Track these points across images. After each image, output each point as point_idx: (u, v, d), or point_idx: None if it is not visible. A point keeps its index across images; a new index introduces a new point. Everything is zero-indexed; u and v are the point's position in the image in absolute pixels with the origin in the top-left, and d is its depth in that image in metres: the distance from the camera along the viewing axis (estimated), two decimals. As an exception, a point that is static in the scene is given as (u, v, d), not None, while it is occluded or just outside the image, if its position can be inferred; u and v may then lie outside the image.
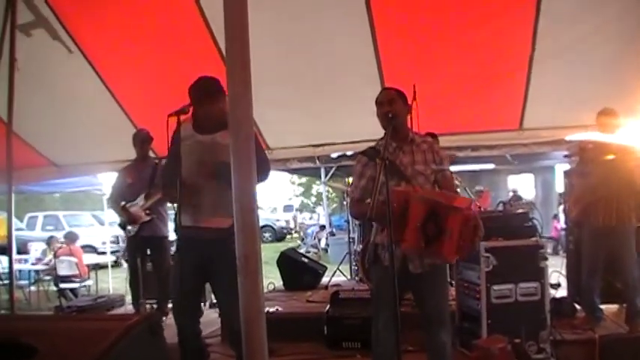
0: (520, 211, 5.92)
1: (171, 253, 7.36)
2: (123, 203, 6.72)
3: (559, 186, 22.18)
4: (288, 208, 34.25)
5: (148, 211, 6.66)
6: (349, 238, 9.76)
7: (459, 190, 4.81)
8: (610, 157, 5.70)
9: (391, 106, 4.05)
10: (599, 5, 6.14)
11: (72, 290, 10.96)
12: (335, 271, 9.17)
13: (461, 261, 5.40)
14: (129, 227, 6.78)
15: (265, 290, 5.66)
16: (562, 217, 16.49)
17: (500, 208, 6.08)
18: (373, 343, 4.31)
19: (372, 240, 4.28)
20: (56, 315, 5.75)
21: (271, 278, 8.45)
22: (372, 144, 7.89)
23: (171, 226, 7.29)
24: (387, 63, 6.98)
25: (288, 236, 28.46)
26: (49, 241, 13.86)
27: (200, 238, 4.21)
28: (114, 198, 7.07)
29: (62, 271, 10.77)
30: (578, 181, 6.24)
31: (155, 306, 7.21)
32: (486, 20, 6.39)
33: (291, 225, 30.38)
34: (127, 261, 7.20)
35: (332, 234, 19.73)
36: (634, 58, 6.49)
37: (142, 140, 6.89)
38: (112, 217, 15.55)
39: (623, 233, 5.82)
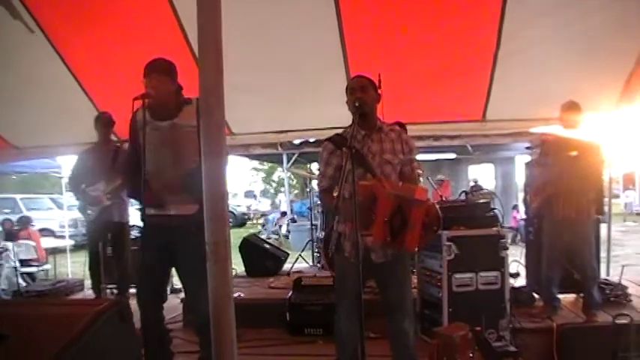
0: (482, 201, 6.00)
1: (132, 237, 7.34)
2: (83, 186, 6.65)
3: (519, 177, 22.56)
4: (249, 194, 34.17)
5: (108, 196, 6.61)
6: (312, 224, 9.77)
7: (421, 179, 4.84)
8: (571, 151, 5.79)
9: (363, 93, 4.05)
10: (563, 5, 6.22)
11: (30, 274, 10.78)
12: (297, 258, 9.21)
13: (422, 250, 5.47)
14: (89, 211, 6.72)
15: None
16: (522, 207, 16.78)
17: (463, 197, 6.14)
18: (335, 330, 4.33)
19: (335, 228, 4.29)
20: (26, 301, 5.66)
21: (233, 264, 8.40)
22: (336, 131, 7.95)
23: (131, 211, 7.26)
24: (352, 51, 6.97)
25: (249, 222, 28.42)
26: (4, 223, 13.67)
27: (165, 225, 4.19)
28: (74, 181, 6.96)
29: (21, 255, 10.58)
30: (539, 173, 6.31)
31: (115, 291, 7.16)
32: (454, 14, 6.42)
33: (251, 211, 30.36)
34: (87, 245, 7.08)
35: (293, 220, 19.75)
36: (595, 56, 6.62)
37: (103, 123, 6.79)
38: (71, 200, 15.39)
39: (582, 226, 5.92)
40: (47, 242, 12.72)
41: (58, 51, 7.16)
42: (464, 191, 6.31)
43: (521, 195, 19.98)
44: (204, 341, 4.45)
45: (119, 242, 6.96)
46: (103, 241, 6.83)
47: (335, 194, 4.29)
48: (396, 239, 3.83)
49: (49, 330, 1.73)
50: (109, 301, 1.92)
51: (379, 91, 4.21)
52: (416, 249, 4.24)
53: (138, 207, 4.41)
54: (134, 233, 7.58)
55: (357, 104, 3.96)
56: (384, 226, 3.76)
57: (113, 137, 7.16)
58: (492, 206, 5.85)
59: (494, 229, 5.47)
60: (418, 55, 6.95)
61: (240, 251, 8.50)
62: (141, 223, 4.33)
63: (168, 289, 7.30)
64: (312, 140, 9.97)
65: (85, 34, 6.97)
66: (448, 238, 5.23)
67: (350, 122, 7.54)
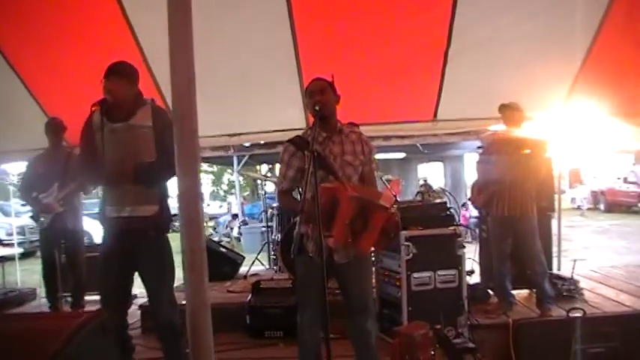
0: (438, 200, 6.08)
1: (85, 245, 7.25)
2: (35, 194, 6.54)
3: (468, 175, 22.85)
4: (198, 197, 33.88)
5: (61, 202, 6.51)
6: (267, 226, 9.73)
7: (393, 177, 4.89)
8: (518, 149, 5.90)
9: (322, 95, 4.06)
10: (513, 4, 6.35)
11: (-23, 284, 10.51)
12: (254, 261, 9.17)
13: (377, 252, 5.53)
14: (42, 219, 6.62)
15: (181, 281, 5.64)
16: (471, 205, 17.01)
17: (419, 198, 6.22)
18: (299, 331, 4.34)
19: (297, 230, 4.30)
20: (5, 315, 5.52)
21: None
22: (289, 133, 7.96)
23: (84, 218, 7.17)
24: (304, 52, 7.01)
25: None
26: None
27: (125, 228, 4.16)
28: (25, 188, 6.83)
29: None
30: (482, 170, 6.41)
31: (70, 299, 7.05)
32: (405, 12, 6.50)
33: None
34: (40, 253, 6.94)
35: (245, 223, 19.67)
36: (544, 55, 6.77)
37: (54, 129, 6.70)
38: (19, 207, 15.02)
39: (527, 222, 6.02)
40: (-6, 250, 12.38)
41: (5, 56, 7.04)
42: (420, 192, 6.39)
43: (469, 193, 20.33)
44: (168, 347, 4.43)
45: (73, 250, 6.87)
46: (58, 248, 6.73)
47: (297, 196, 4.34)
48: (354, 241, 3.87)
49: (30, 345, 1.68)
50: (89, 314, 1.88)
51: (338, 93, 4.22)
52: (368, 252, 4.24)
53: (97, 211, 4.36)
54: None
55: (317, 107, 3.98)
56: (345, 228, 3.78)
57: (64, 143, 7.03)
58: (449, 205, 5.94)
59: (451, 228, 5.56)
60: (370, 55, 7.02)
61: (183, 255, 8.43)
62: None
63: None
64: (262, 142, 9.96)
65: (34, 38, 6.86)
66: (406, 238, 5.30)
67: (301, 123, 7.63)
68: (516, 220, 5.97)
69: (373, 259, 5.75)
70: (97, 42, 6.70)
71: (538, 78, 6.87)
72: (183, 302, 5.68)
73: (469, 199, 7.40)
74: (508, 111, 6.10)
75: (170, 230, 4.48)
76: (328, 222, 3.68)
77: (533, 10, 6.36)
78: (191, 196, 2.36)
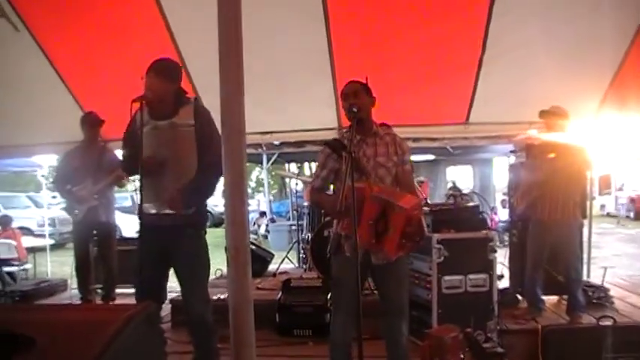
0: (471, 204, 6.07)
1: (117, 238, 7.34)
2: (69, 187, 6.64)
3: (496, 179, 22.72)
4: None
5: (95, 195, 6.61)
6: (297, 225, 9.74)
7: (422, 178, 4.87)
8: (556, 154, 5.87)
9: (356, 98, 4.09)
10: (549, 9, 6.33)
11: (10, 274, 10.66)
12: (283, 259, 9.22)
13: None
14: (76, 211, 6.70)
15: (213, 277, 5.69)
16: (500, 209, 16.92)
17: (451, 200, 6.21)
18: (331, 330, 4.38)
19: (334, 229, 4.34)
20: (53, 306, 5.61)
21: (216, 264, 8.40)
22: (320, 133, 7.98)
23: (116, 212, 7.27)
24: (339, 53, 7.04)
25: (226, 222, 28.23)
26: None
27: (163, 225, 4.21)
28: (59, 181, 6.94)
29: (2, 254, 10.46)
30: (525, 176, 6.39)
31: (101, 292, 7.14)
32: (440, 17, 6.53)
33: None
34: (73, 245, 7.02)
35: (272, 220, 19.72)
36: (578, 63, 6.75)
37: (92, 123, 6.78)
38: (50, 199, 15.22)
39: (567, 228, 6.00)
40: (26, 241, 12.53)
41: (43, 49, 7.14)
42: (452, 195, 6.38)
43: (499, 197, 20.21)
44: (200, 342, 4.49)
45: (106, 242, 6.97)
46: (91, 241, 6.83)
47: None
48: (379, 243, 3.90)
49: (78, 336, 1.72)
50: (137, 306, 1.92)
51: (373, 95, 4.25)
52: (395, 256, 4.24)
53: (127, 205, 4.41)
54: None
55: (354, 110, 4.01)
56: (368, 228, 3.82)
57: (99, 137, 7.13)
58: (481, 209, 5.93)
59: (484, 232, 5.56)
60: (404, 58, 7.04)
61: (226, 252, 8.48)
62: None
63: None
64: (292, 141, 10.01)
65: (71, 33, 6.97)
66: (438, 240, 5.31)
67: (333, 123, 7.66)
68: (557, 224, 5.93)
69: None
70: (133, 39, 6.80)
71: (571, 85, 6.83)
72: (214, 298, 5.80)
73: (509, 205, 7.37)
74: (548, 117, 6.07)
75: (206, 228, 4.54)
76: (355, 222, 3.71)
77: (569, 17, 6.34)
78: (237, 196, 2.40)
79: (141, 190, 4.10)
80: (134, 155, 4.18)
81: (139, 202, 4.18)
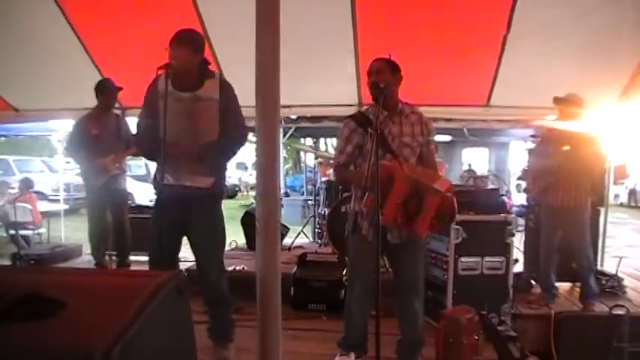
0: (491, 187, 6.06)
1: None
2: (83, 154, 6.64)
3: (512, 163, 22.63)
4: (240, 166, 34.00)
5: (117, 165, 6.65)
6: (315, 199, 9.73)
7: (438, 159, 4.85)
8: (571, 142, 5.82)
9: (379, 75, 4.08)
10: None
11: (24, 237, 10.74)
12: (299, 233, 9.26)
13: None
14: (95, 179, 6.70)
15: (227, 248, 5.71)
16: (515, 193, 16.86)
17: (471, 182, 6.21)
18: (346, 307, 4.42)
19: (352, 207, 4.34)
20: (83, 270, 5.64)
21: (230, 236, 8.43)
22: (340, 108, 7.95)
23: (129, 180, 7.30)
24: (363, 30, 7.00)
25: (240, 194, 28.31)
26: (0, 186, 13.56)
27: (181, 195, 4.20)
28: (74, 147, 6.88)
29: (18, 217, 10.53)
30: (538, 161, 6.35)
31: (115, 258, 7.19)
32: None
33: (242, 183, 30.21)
34: (90, 212, 7.03)
35: (286, 195, 19.74)
36: (603, 49, 6.66)
37: (110, 90, 6.74)
38: (64, 164, 15.27)
39: (579, 215, 5.97)
40: (41, 206, 12.62)
41: (65, 14, 7.12)
42: (472, 177, 6.37)
43: (514, 181, 20.14)
44: (215, 313, 4.52)
45: (121, 210, 7.00)
46: (107, 208, 6.87)
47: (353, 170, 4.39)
48: (408, 223, 3.90)
49: (109, 301, 1.72)
50: (167, 274, 1.92)
51: (400, 74, 4.22)
52: (424, 236, 4.26)
53: (153, 176, 4.39)
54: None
55: (380, 86, 3.99)
56: (396, 207, 3.82)
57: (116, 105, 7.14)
58: (501, 193, 5.92)
59: (502, 215, 5.55)
60: (428, 37, 6.98)
61: (242, 224, 8.53)
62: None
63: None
64: (308, 115, 9.98)
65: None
66: (457, 222, 5.29)
67: (353, 100, 7.63)
68: (569, 211, 5.91)
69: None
70: (157, 8, 6.75)
71: (594, 73, 6.76)
72: (229, 269, 5.83)
73: (524, 190, 7.33)
74: (563, 104, 6.03)
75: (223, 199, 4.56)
76: (380, 199, 3.70)
77: (596, 3, 6.26)
78: (269, 167, 2.39)
79: (159, 162, 4.09)
80: (151, 129, 4.16)
81: (155, 172, 4.17)
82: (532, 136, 7.18)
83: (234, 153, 4.49)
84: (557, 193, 5.94)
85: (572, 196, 5.87)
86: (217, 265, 4.49)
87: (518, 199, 9.95)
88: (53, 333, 1.59)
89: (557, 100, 6.06)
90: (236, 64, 6.03)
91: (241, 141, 4.42)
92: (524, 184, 7.44)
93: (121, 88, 6.80)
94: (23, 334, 1.58)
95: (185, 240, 4.50)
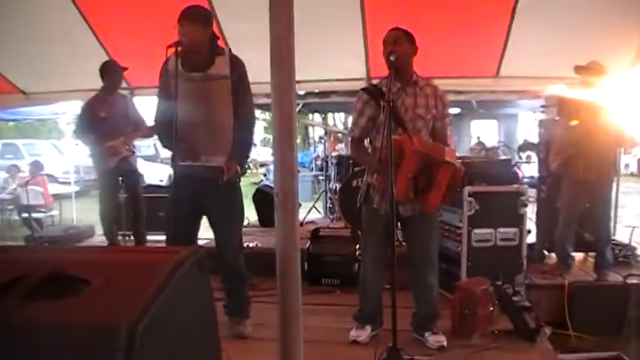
0: (503, 157, 6.04)
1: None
2: (94, 137, 6.63)
3: (521, 134, 22.54)
4: (249, 143, 33.97)
5: (127, 147, 6.65)
6: (325, 175, 9.71)
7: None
8: (592, 113, 5.78)
9: (395, 45, 4.05)
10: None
11: (36, 220, 10.83)
12: (310, 209, 9.30)
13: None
14: (105, 160, 6.70)
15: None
16: (524, 165, 16.80)
17: (483, 154, 6.19)
18: (361, 279, 4.44)
19: (364, 180, 4.34)
20: (103, 247, 5.68)
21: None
22: (348, 83, 7.90)
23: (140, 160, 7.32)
24: (370, 3, 6.93)
25: (249, 171, 28.36)
26: (11, 170, 13.63)
27: (198, 175, 4.23)
28: (84, 131, 6.80)
29: (30, 200, 10.60)
30: (560, 133, 6.29)
31: (129, 238, 7.24)
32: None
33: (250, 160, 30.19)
34: (101, 193, 7.06)
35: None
36: (614, 16, 6.58)
37: (114, 71, 6.68)
38: (73, 146, 15.32)
39: (601, 187, 5.96)
40: (52, 188, 12.69)
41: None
42: (485, 148, 6.36)
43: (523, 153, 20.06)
44: (232, 289, 4.55)
45: (135, 190, 7.00)
46: (118, 189, 6.90)
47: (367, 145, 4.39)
48: (420, 197, 3.91)
49: (131, 277, 1.72)
50: (188, 250, 1.93)
51: (416, 45, 4.19)
52: (437, 209, 4.27)
53: (169, 157, 4.39)
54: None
55: (391, 58, 3.97)
56: (407, 181, 3.82)
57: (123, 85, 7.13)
58: (513, 163, 5.91)
59: (515, 186, 5.54)
60: (436, 8, 6.90)
61: (254, 201, 8.56)
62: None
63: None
64: (316, 91, 9.94)
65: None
66: (469, 193, 5.29)
67: (361, 74, 7.58)
68: (591, 184, 5.87)
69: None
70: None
71: (604, 42, 6.68)
72: (249, 245, 5.84)
73: (538, 160, 7.29)
74: (584, 72, 5.97)
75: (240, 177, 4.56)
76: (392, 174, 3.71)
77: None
78: (286, 141, 2.39)
79: (173, 145, 4.08)
80: (168, 112, 4.12)
81: (172, 154, 4.17)
82: (543, 106, 7.14)
83: (253, 134, 4.55)
84: (578, 166, 5.87)
85: (594, 168, 5.81)
86: (235, 243, 4.52)
87: (528, 170, 9.94)
88: (78, 311, 1.60)
89: (578, 69, 6.00)
90: (244, 40, 6.02)
91: (251, 121, 4.46)
92: (534, 155, 7.42)
93: (126, 68, 6.75)
94: (49, 313, 1.59)
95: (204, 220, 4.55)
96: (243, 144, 4.36)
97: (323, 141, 11.46)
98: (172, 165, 4.21)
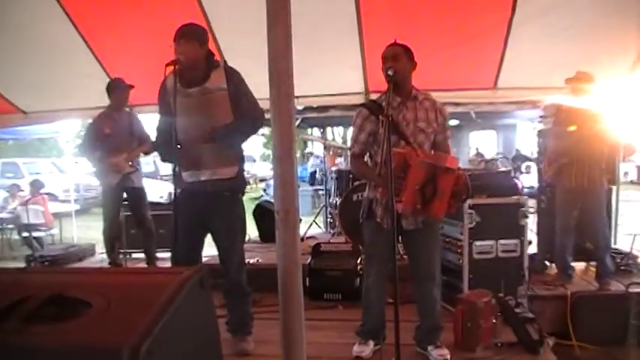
0: (503, 169, 6.05)
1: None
2: (98, 154, 6.66)
3: (520, 144, 22.57)
4: (247, 158, 33.97)
5: (130, 163, 6.66)
6: (325, 189, 9.71)
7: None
8: (577, 124, 5.81)
9: (395, 61, 4.05)
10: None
11: (37, 239, 10.81)
12: (311, 224, 9.27)
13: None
14: (109, 178, 6.71)
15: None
16: (524, 175, 16.82)
17: (482, 166, 6.20)
18: (364, 294, 4.43)
19: (366, 195, 4.34)
20: (106, 269, 5.67)
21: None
22: (347, 97, 7.90)
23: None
24: (366, 16, 6.94)
25: (248, 186, 28.33)
26: (11, 189, 13.63)
27: (202, 191, 4.25)
28: (88, 148, 6.85)
29: (30, 219, 10.59)
30: (552, 143, 6.34)
31: (129, 256, 7.23)
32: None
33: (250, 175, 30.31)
34: (105, 211, 7.06)
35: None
36: (609, 26, 6.60)
37: (121, 89, 6.73)
38: (73, 164, 15.35)
39: (594, 195, 5.98)
40: (52, 207, 12.68)
41: (67, 12, 7.03)
42: (483, 160, 6.36)
43: (524, 163, 20.08)
44: (234, 305, 4.53)
45: (141, 207, 7.01)
46: (121, 206, 6.91)
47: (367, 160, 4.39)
48: (426, 207, 3.91)
49: (133, 299, 1.73)
50: (190, 269, 1.92)
51: (414, 60, 4.21)
52: (442, 217, 4.27)
53: (172, 174, 4.38)
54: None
55: (389, 73, 3.97)
56: (414, 193, 3.83)
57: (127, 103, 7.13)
58: (513, 175, 5.91)
59: (515, 197, 5.54)
60: (433, 22, 6.93)
61: (254, 216, 8.54)
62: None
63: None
64: (315, 106, 9.94)
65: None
66: (470, 205, 5.28)
67: (359, 88, 7.59)
68: (583, 191, 5.91)
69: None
70: (160, 3, 6.72)
71: (602, 50, 6.71)
72: (250, 261, 5.82)
73: (538, 170, 7.31)
74: (573, 82, 6.04)
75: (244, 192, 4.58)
76: (398, 187, 3.71)
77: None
78: (286, 157, 2.39)
79: (177, 159, 4.08)
80: (168, 130, 4.10)
81: (174, 169, 4.16)
82: (541, 116, 7.15)
83: (248, 132, 4.47)
84: (570, 174, 5.94)
85: (585, 175, 5.86)
86: (238, 259, 4.51)
87: (527, 181, 9.95)
88: (80, 333, 1.60)
89: (568, 80, 6.09)
90: (242, 57, 6.02)
91: (259, 118, 4.37)
92: (533, 165, 7.44)
93: (132, 86, 6.78)
94: (51, 335, 1.59)
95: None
96: (233, 125, 4.25)
97: (323, 156, 11.45)
98: (174, 181, 4.21)
